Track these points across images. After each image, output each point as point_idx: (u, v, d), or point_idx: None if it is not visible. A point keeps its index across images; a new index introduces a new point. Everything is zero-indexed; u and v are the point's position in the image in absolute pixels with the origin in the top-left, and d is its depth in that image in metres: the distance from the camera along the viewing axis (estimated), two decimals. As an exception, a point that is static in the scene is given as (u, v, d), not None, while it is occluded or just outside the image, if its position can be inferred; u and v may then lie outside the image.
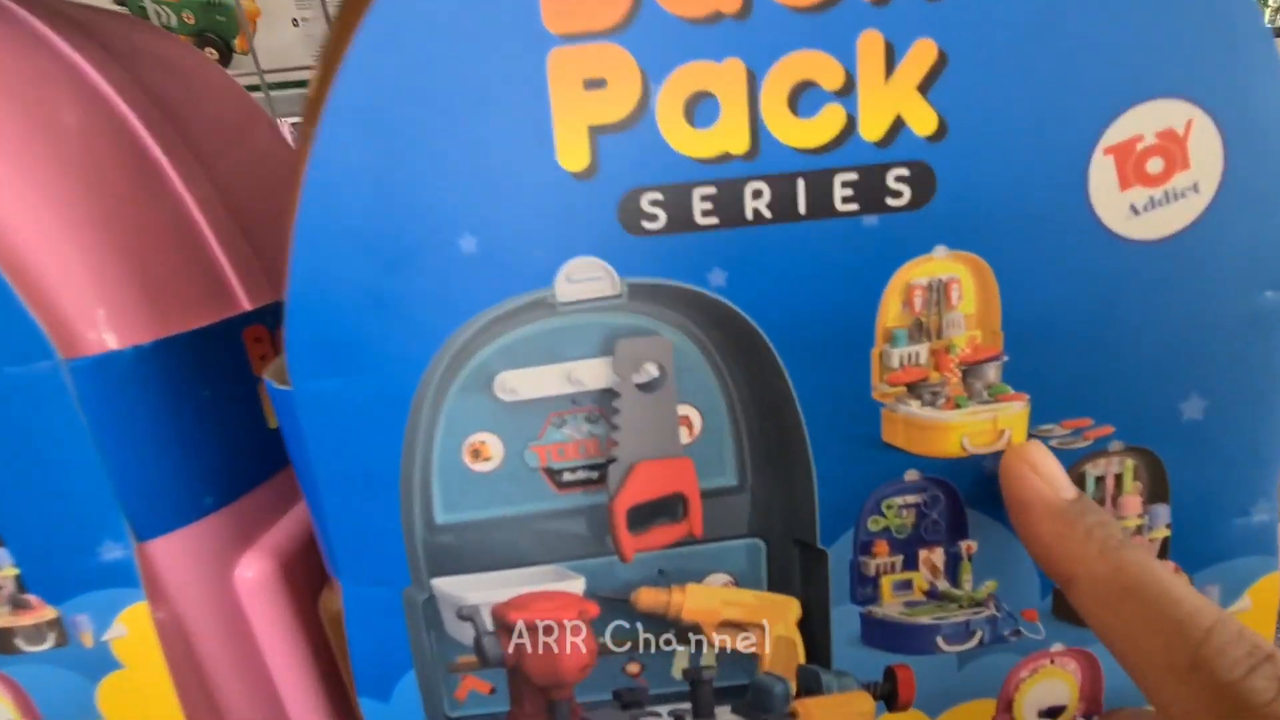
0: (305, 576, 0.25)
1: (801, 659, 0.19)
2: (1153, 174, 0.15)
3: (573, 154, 0.15)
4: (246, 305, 0.24)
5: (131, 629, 0.21)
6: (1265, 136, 0.15)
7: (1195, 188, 0.16)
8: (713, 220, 0.16)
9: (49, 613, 0.21)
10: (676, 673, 0.19)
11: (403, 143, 0.15)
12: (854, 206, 0.16)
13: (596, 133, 0.15)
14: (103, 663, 0.21)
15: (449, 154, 0.15)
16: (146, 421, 0.20)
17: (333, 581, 0.21)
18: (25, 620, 0.21)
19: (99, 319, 0.19)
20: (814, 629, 0.18)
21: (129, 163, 0.22)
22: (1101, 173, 0.15)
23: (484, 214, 0.16)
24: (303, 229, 0.16)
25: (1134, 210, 0.16)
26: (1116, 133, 0.15)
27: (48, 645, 0.21)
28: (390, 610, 0.18)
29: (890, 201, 0.16)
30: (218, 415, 0.23)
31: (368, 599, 0.19)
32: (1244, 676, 0.13)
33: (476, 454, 0.17)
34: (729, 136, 0.15)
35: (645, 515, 0.18)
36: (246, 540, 0.24)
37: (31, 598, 0.20)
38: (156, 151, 0.23)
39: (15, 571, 0.20)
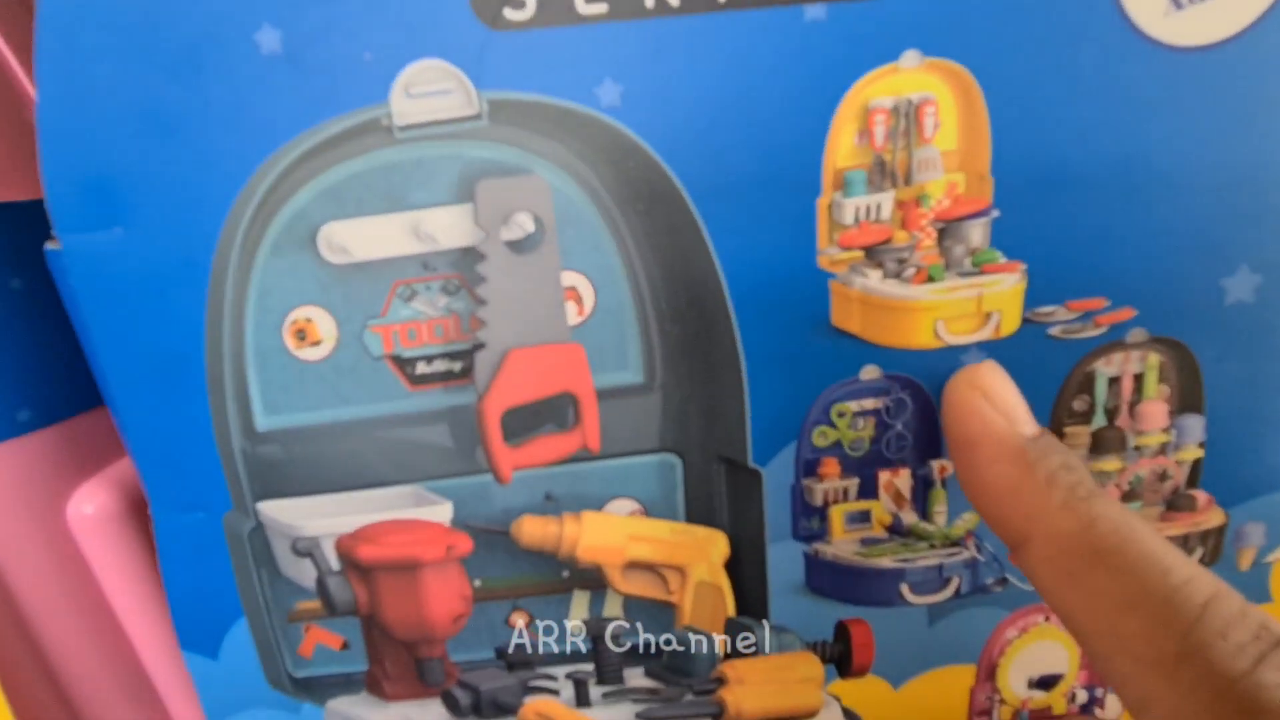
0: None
1: (730, 610, 0.15)
2: None
3: None
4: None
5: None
6: None
7: None
8: (600, 8, 0.11)
9: None
10: (571, 625, 0.15)
11: None
12: (793, -11, 0.11)
13: None
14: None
15: None
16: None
17: None
18: None
19: None
20: (745, 571, 0.15)
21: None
22: None
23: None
24: (44, 20, 0.11)
25: (1175, 3, 0.11)
26: None
27: None
28: (209, 542, 0.15)
29: None
30: (34, 314, 0.19)
31: (181, 528, 0.15)
32: (1251, 668, 0.09)
33: (302, 335, 0.13)
34: None
35: (525, 421, 0.14)
36: (83, 470, 0.20)
37: None
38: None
39: None
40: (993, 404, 0.12)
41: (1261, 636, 0.10)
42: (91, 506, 0.19)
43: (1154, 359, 0.13)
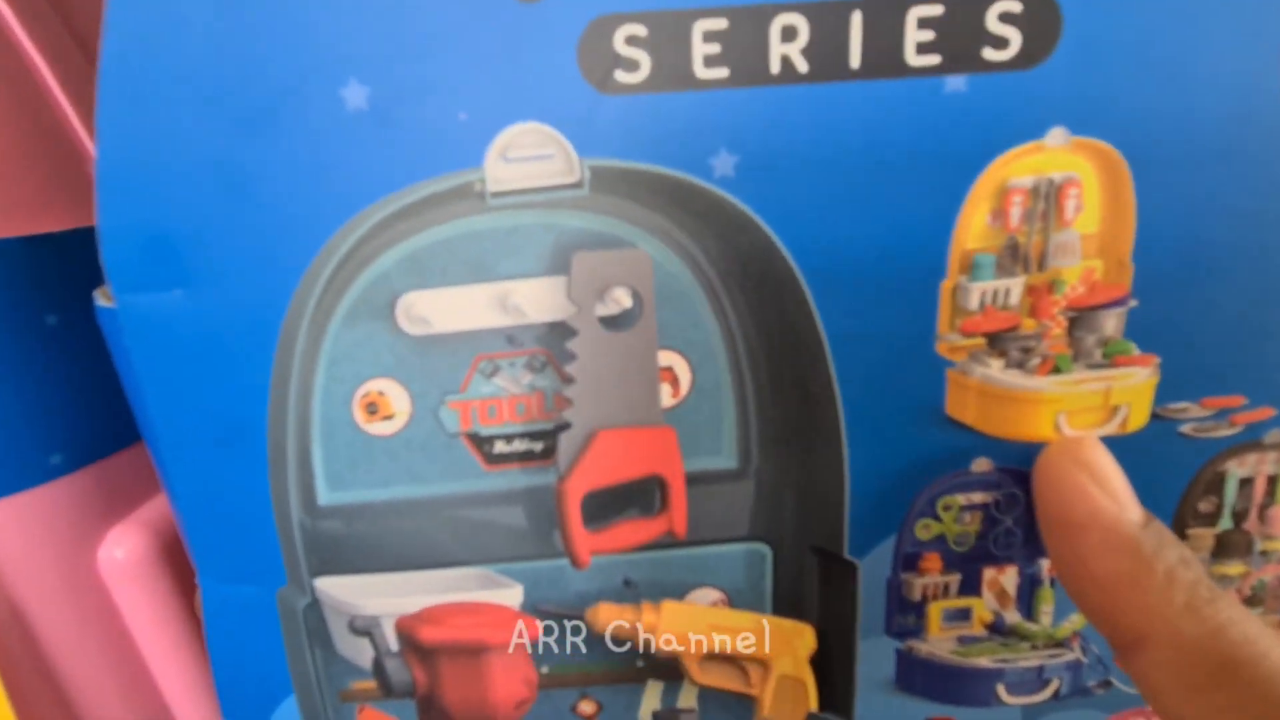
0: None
1: (813, 706, 0.14)
2: None
3: None
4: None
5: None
6: None
7: None
8: (720, 73, 0.10)
9: None
10: (645, 716, 0.14)
11: None
12: (934, 59, 0.10)
13: None
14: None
15: None
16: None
17: None
18: None
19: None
20: (833, 667, 0.14)
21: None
22: None
23: (379, 51, 0.10)
24: (108, 69, 0.10)
25: (1350, 85, 0.10)
26: None
27: None
28: (261, 617, 0.14)
29: (989, 54, 0.10)
30: (68, 353, 0.18)
31: (232, 600, 0.14)
32: None
33: (373, 409, 0.12)
34: None
35: (608, 505, 0.13)
36: (115, 513, 0.19)
37: None
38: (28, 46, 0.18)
39: None
40: (1099, 485, 0.11)
41: None
42: (123, 551, 0.18)
43: (1292, 461, 0.12)
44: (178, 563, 0.19)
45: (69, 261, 0.17)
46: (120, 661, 0.20)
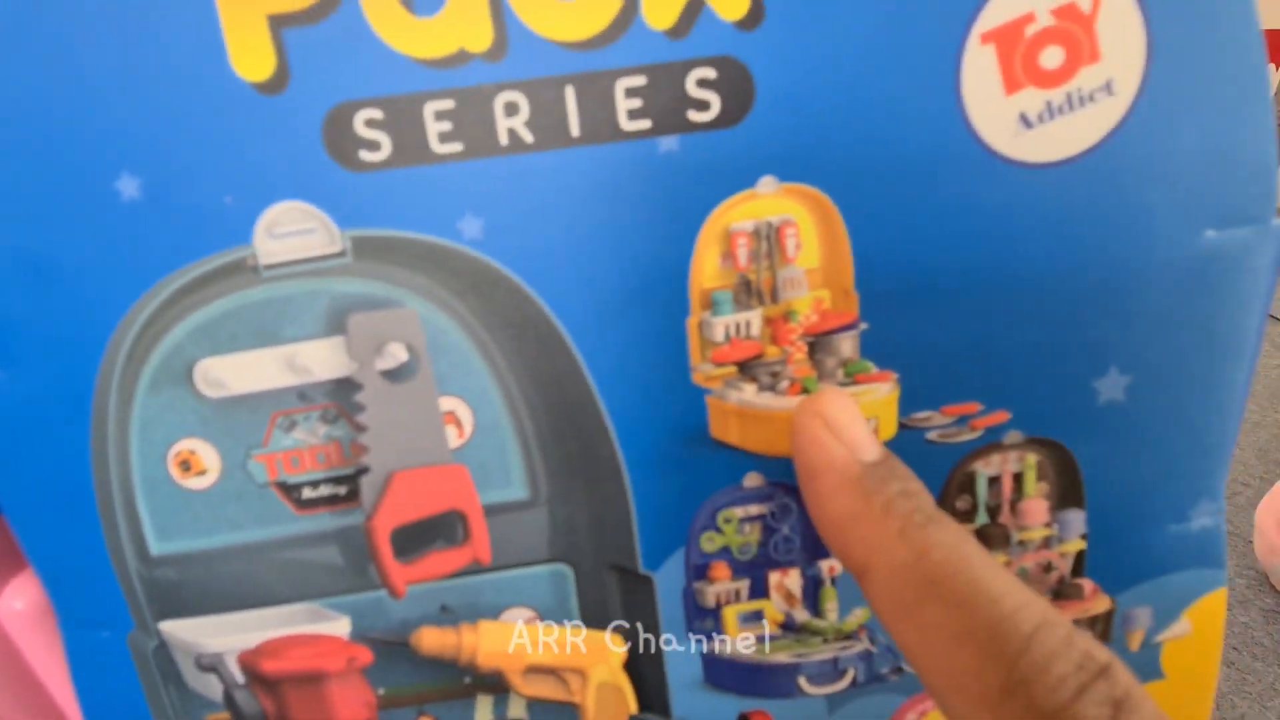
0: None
1: (633, 708, 0.15)
2: (1049, 69, 0.11)
3: (251, 57, 0.11)
4: None
5: None
6: (1205, 17, 0.11)
7: (1108, 88, 0.11)
8: (455, 147, 0.11)
9: None
10: (479, 727, 0.15)
11: (32, 52, 0.11)
12: (645, 124, 0.11)
13: (278, 25, 0.11)
14: None
15: (92, 64, 0.11)
16: None
17: None
18: None
19: None
20: (645, 672, 0.15)
21: None
22: (978, 68, 0.11)
23: (145, 145, 0.11)
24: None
25: (1025, 122, 0.12)
26: (996, 11, 0.11)
27: None
28: (116, 659, 0.15)
29: (693, 116, 0.11)
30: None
31: (89, 645, 0.15)
32: (1071, 699, 0.09)
33: (186, 466, 0.13)
34: (464, 26, 0.11)
35: (416, 538, 0.14)
36: (14, 566, 0.20)
37: None
38: None
39: None
40: (834, 432, 0.12)
41: (1084, 666, 0.09)
42: (22, 602, 0.19)
43: (1031, 459, 0.14)
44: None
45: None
46: (36, 707, 0.21)
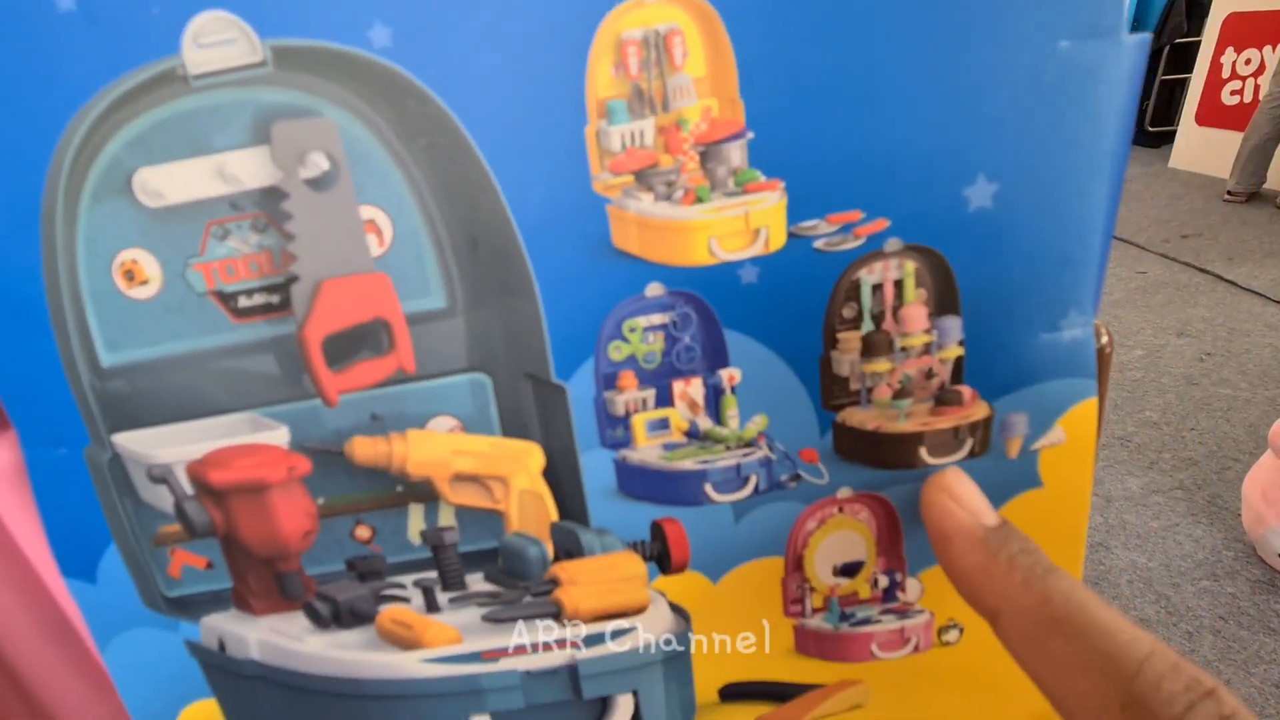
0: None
1: (554, 515, 0.16)
2: None
3: None
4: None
5: None
6: None
7: None
8: None
9: None
10: (413, 537, 0.17)
11: None
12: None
13: None
14: None
15: None
16: None
17: None
18: None
19: None
20: (562, 479, 0.16)
21: None
22: None
23: None
24: None
25: (889, -71, 0.13)
26: None
27: None
28: (74, 474, 0.16)
29: None
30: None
31: (48, 462, 0.16)
32: (1181, 714, 0.11)
33: (130, 276, 0.14)
34: None
35: (345, 348, 0.15)
36: (-14, 427, 0.21)
37: None
38: None
39: None
40: (958, 503, 0.15)
41: (1192, 688, 0.11)
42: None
43: (910, 265, 0.15)
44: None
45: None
46: (7, 559, 0.22)
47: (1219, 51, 4.26)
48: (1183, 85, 4.69)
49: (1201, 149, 4.40)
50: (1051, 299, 0.15)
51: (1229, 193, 3.94)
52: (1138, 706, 0.12)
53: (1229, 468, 1.92)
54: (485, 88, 0.13)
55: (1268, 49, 3.85)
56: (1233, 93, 4.26)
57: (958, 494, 0.15)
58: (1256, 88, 4.02)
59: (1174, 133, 4.66)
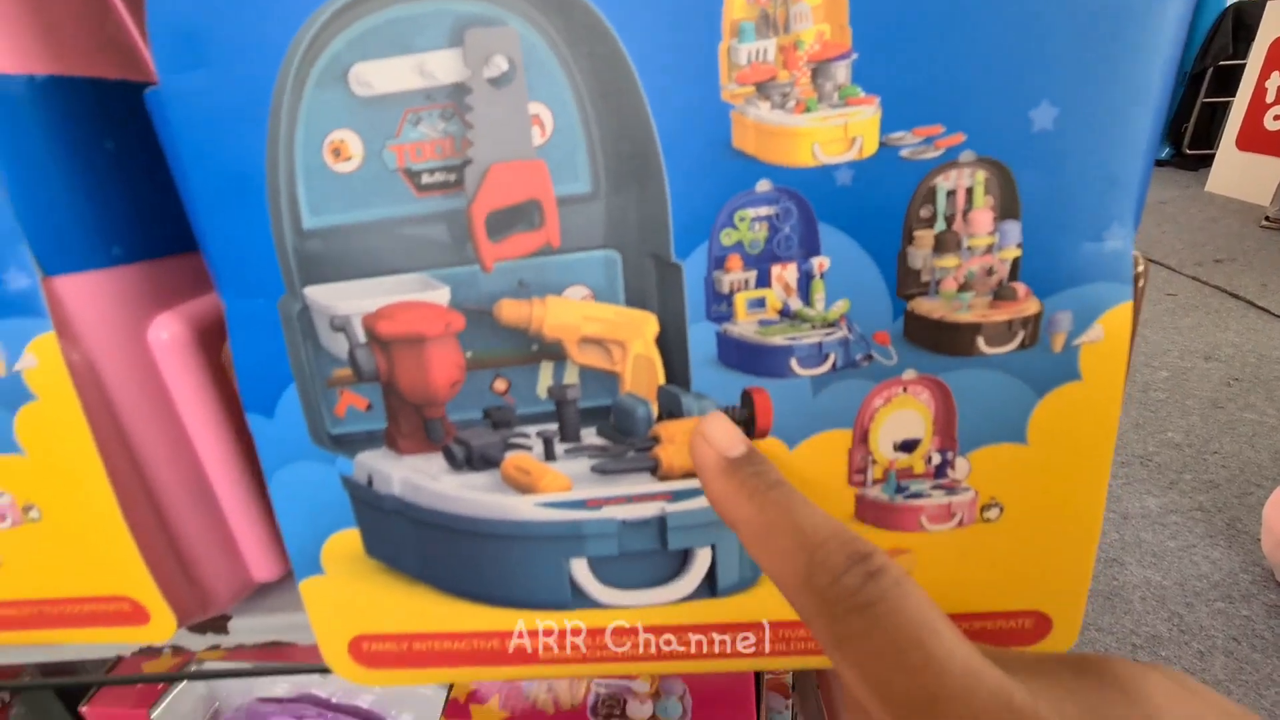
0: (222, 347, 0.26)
1: (661, 379, 0.19)
2: None
3: None
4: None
5: (41, 360, 0.22)
6: None
7: None
8: None
9: (-39, 338, 0.22)
10: (541, 391, 0.20)
11: None
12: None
13: None
14: (16, 393, 0.22)
15: None
16: (48, 156, 0.21)
17: None
18: (-59, 345, 0.22)
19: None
20: (671, 347, 0.19)
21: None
22: None
23: None
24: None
25: (983, -113, 0.15)
26: None
27: (-37, 373, 0.22)
28: (268, 322, 0.19)
29: None
30: (125, 171, 0.23)
31: (247, 312, 0.19)
32: (838, 578, 0.14)
33: (337, 153, 0.18)
34: None
35: (503, 222, 0.18)
36: (163, 304, 0.25)
37: (-55, 322, 0.21)
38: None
39: (-71, 294, 0.21)
40: (707, 441, 0.18)
41: (851, 555, 0.15)
42: (167, 334, 0.24)
43: (980, 175, 0.17)
44: (208, 348, 0.25)
45: (119, 104, 0.23)
46: (165, 423, 0.25)
47: (1264, 76, 4.17)
48: (1224, 108, 4.60)
49: (1241, 174, 4.31)
50: (1098, 212, 0.18)
51: (1267, 219, 3.86)
52: (813, 577, 0.15)
53: (1250, 493, 1.90)
54: (640, 8, 0.16)
55: (1315, 75, 3.77)
56: (1276, 118, 4.17)
57: (707, 434, 0.18)
58: (1301, 114, 3.94)
59: (1213, 156, 4.57)
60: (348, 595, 0.22)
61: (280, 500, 0.21)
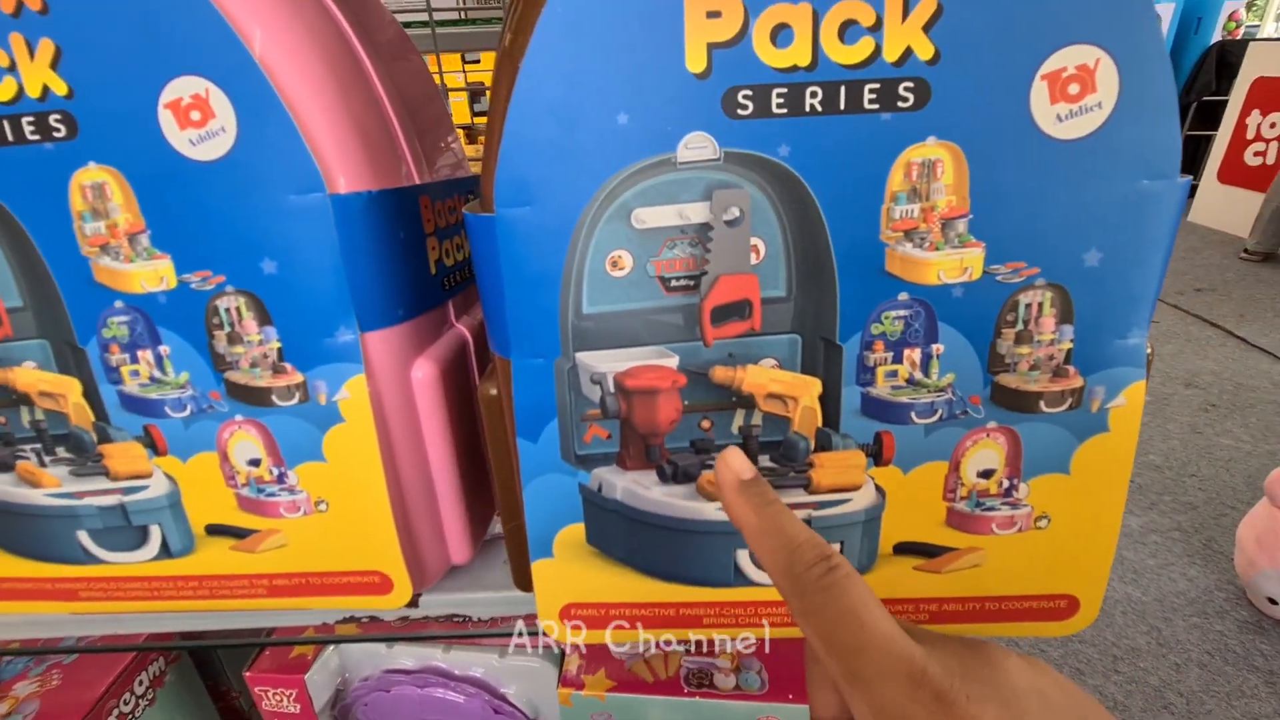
0: (454, 381, 0.34)
1: (819, 423, 0.28)
2: (1072, 94, 0.24)
3: (696, 61, 0.23)
4: (417, 178, 0.33)
5: (353, 394, 0.30)
6: (1148, 72, 0.24)
7: (1099, 105, 0.24)
8: (783, 110, 0.24)
9: (298, 377, 0.29)
10: (734, 429, 0.28)
11: (583, 55, 0.23)
12: (876, 105, 0.24)
13: (712, 48, 0.23)
14: (330, 417, 0.30)
15: (613, 66, 0.23)
16: (368, 247, 0.29)
17: (492, 372, 0.30)
18: (281, 382, 0.30)
19: (345, 170, 0.28)
20: (829, 402, 0.27)
21: (347, 60, 0.30)
22: (1039, 92, 0.24)
23: (636, 97, 0.24)
24: (514, 104, 0.24)
25: (1059, 118, 0.24)
26: (1050, 65, 0.23)
27: (294, 401, 0.30)
28: (545, 376, 0.27)
29: (900, 104, 0.24)
30: (405, 253, 0.31)
31: (531, 368, 0.27)
32: (809, 568, 0.20)
33: (615, 264, 0.26)
34: (799, 54, 0.23)
35: (723, 314, 0.26)
36: (419, 350, 0.33)
37: (288, 365, 0.29)
38: (360, 52, 0.31)
39: (278, 345, 0.29)
40: (727, 466, 0.23)
41: (816, 555, 0.20)
42: (422, 372, 0.32)
43: (1048, 295, 0.26)
44: (450, 383, 0.33)
45: (402, 207, 0.31)
46: (415, 439, 0.33)
47: (1245, 113, 4.33)
48: (1208, 141, 4.75)
49: (1222, 206, 4.47)
50: (1124, 318, 0.26)
51: (1246, 251, 4.00)
52: (789, 572, 0.20)
53: (1225, 514, 2.01)
54: (835, 181, 0.25)
55: (1293, 115, 3.93)
56: (1256, 154, 4.33)
57: (728, 460, 0.23)
58: (1280, 152, 4.10)
59: (1196, 187, 4.72)
60: (568, 572, 0.30)
61: (531, 501, 0.29)
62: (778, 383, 0.27)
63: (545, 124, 0.24)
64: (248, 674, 0.49)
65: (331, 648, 0.51)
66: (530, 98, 0.24)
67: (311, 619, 0.39)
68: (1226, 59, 4.70)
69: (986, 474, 0.28)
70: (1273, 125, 4.13)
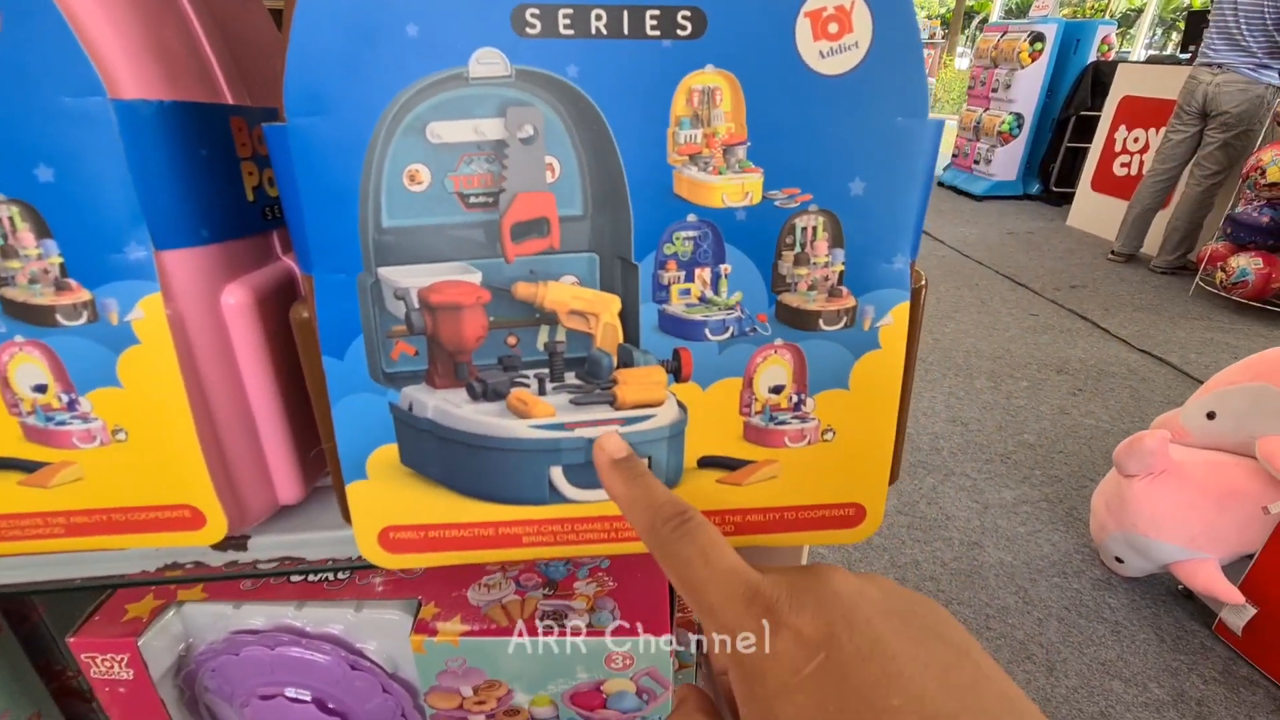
0: (276, 313, 0.33)
1: (620, 340, 0.29)
2: (832, 33, 0.26)
3: None
4: (229, 99, 0.32)
5: (148, 314, 0.29)
6: (897, 18, 0.26)
7: (856, 44, 0.26)
8: (570, 30, 0.25)
9: (85, 295, 0.28)
10: (539, 346, 0.29)
11: None
12: (657, 32, 0.25)
13: None
14: (124, 338, 0.29)
15: None
16: (162, 160, 0.28)
17: (302, 297, 0.30)
18: (65, 300, 0.28)
19: (131, 75, 0.27)
20: (628, 319, 0.29)
21: (148, -28, 0.29)
22: (804, 29, 0.26)
23: (423, 8, 0.24)
24: (298, 11, 0.24)
25: (821, 54, 0.26)
26: (812, 3, 0.26)
27: (81, 321, 0.28)
28: (348, 291, 0.27)
29: (679, 32, 0.25)
30: (210, 172, 0.30)
31: (333, 283, 0.27)
32: (663, 524, 0.25)
33: (412, 178, 0.26)
34: None
35: (522, 231, 0.27)
36: (232, 275, 0.32)
37: (72, 282, 0.28)
38: (166, -30, 0.30)
39: (60, 260, 0.28)
40: (602, 448, 0.29)
41: (674, 514, 0.25)
42: (234, 299, 0.31)
43: (821, 219, 0.28)
44: (263, 310, 0.32)
45: (206, 122, 0.30)
46: (228, 367, 0.32)
47: (1114, 128, 4.79)
48: (1084, 153, 5.21)
49: (1095, 212, 4.92)
50: (890, 244, 0.29)
51: (1113, 252, 4.43)
52: (653, 531, 0.25)
53: (1086, 486, 2.23)
54: (622, 103, 0.26)
55: (1153, 131, 4.40)
56: (1122, 165, 4.79)
57: (603, 443, 0.29)
58: (1141, 163, 4.57)
59: (1074, 194, 5.17)
60: (383, 494, 0.31)
61: (340, 421, 0.29)
62: (579, 300, 0.28)
63: (332, 32, 0.24)
64: (72, 639, 0.46)
65: (172, 611, 0.49)
66: (316, 5, 0.24)
67: (126, 565, 0.37)
68: (1100, 77, 5.18)
69: (777, 389, 0.31)
70: (1136, 140, 4.58)
